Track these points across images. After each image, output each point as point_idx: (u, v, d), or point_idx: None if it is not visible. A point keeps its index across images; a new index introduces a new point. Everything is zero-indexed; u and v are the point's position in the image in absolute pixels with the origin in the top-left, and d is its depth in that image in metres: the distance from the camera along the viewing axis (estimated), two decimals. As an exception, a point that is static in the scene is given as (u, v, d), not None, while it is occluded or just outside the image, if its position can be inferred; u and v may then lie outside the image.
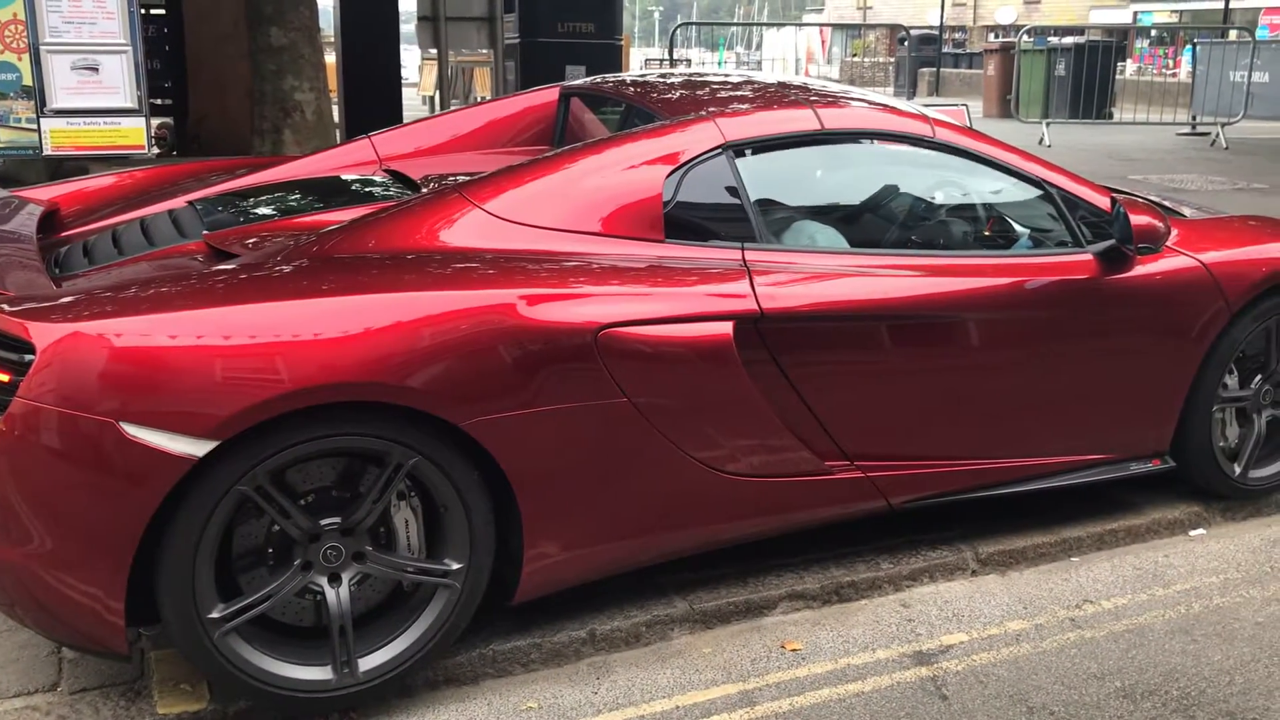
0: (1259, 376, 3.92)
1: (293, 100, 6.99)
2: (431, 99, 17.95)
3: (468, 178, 3.22)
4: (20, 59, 5.80)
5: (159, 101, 9.21)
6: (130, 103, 5.99)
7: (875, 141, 3.73)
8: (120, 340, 2.43)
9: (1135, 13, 40.75)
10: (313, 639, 2.74)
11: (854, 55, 40.11)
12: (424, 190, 3.36)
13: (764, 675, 3.00)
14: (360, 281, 2.72)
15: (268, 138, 7.03)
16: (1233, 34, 20.34)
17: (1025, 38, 19.07)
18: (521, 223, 3.00)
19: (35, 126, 5.88)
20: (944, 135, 3.52)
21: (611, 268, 2.97)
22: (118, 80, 5.94)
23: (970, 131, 3.63)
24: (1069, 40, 19.79)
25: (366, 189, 3.64)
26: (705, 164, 3.20)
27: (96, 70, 5.89)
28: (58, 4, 5.80)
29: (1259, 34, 21.40)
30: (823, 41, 44.41)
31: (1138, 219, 3.57)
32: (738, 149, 3.28)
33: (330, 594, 2.69)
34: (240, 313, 2.56)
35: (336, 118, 8.37)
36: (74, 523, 2.44)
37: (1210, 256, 3.71)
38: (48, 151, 5.95)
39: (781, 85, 3.99)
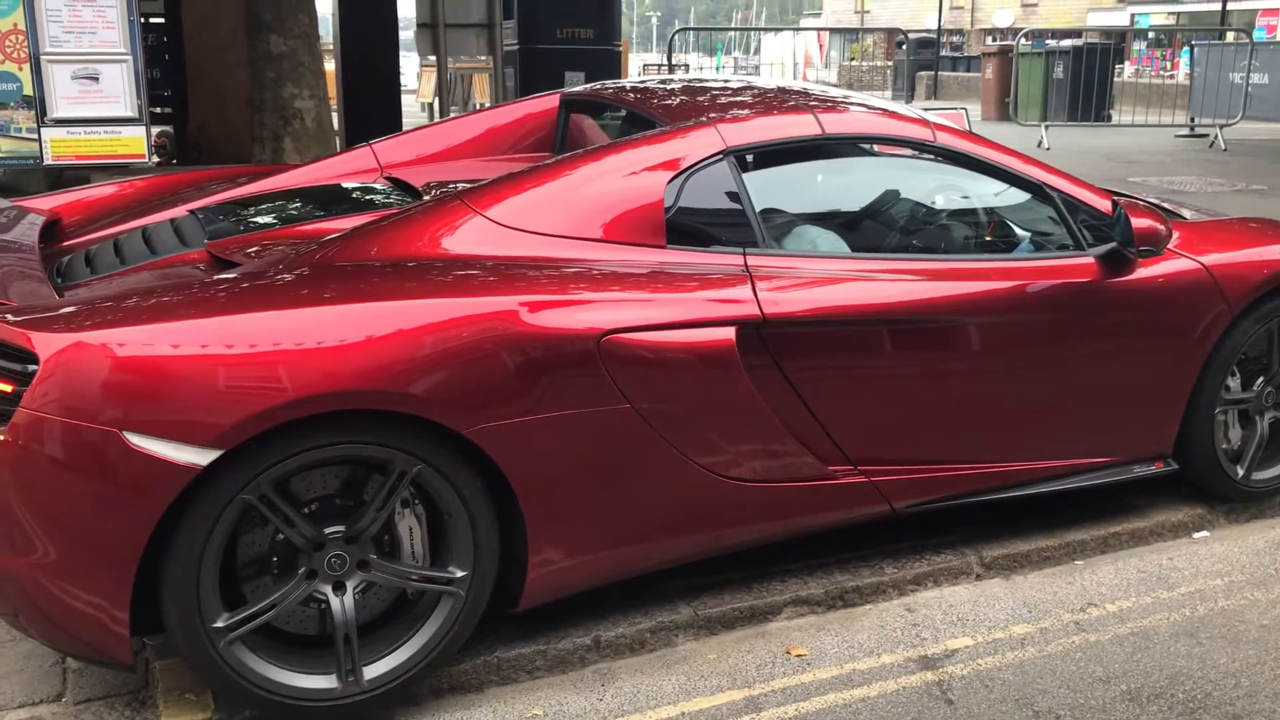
0: (1261, 378, 3.91)
1: (293, 108, 7.00)
2: (430, 106, 17.95)
3: (469, 185, 3.23)
4: (21, 69, 5.81)
5: (159, 110, 9.22)
6: (130, 112, 6.00)
7: (876, 146, 3.74)
8: (123, 350, 2.43)
9: (1132, 15, 40.83)
10: (317, 647, 2.74)
11: (852, 59, 40.16)
12: (425, 198, 3.36)
13: (769, 681, 3.00)
14: (362, 289, 2.72)
15: (268, 145, 7.04)
16: (1230, 35, 20.34)
17: (1023, 41, 19.08)
18: (523, 229, 3.00)
19: (36, 136, 5.88)
20: (944, 139, 3.52)
21: (613, 274, 2.97)
22: (118, 89, 5.94)
23: (970, 135, 3.64)
24: (1067, 43, 19.79)
25: (368, 197, 3.65)
26: (707, 169, 3.20)
27: (97, 79, 5.90)
28: (58, 13, 5.80)
29: (1256, 35, 21.41)
30: (820, 46, 44.48)
31: (1139, 221, 3.57)
32: (739, 154, 3.29)
33: (335, 602, 2.69)
34: (243, 321, 2.56)
35: (336, 125, 8.38)
36: (78, 533, 2.44)
37: (1212, 259, 3.71)
38: (48, 161, 5.96)
39: (781, 90, 3.99)
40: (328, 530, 2.67)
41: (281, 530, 2.62)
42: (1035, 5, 45.07)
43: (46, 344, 2.41)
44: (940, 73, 30.06)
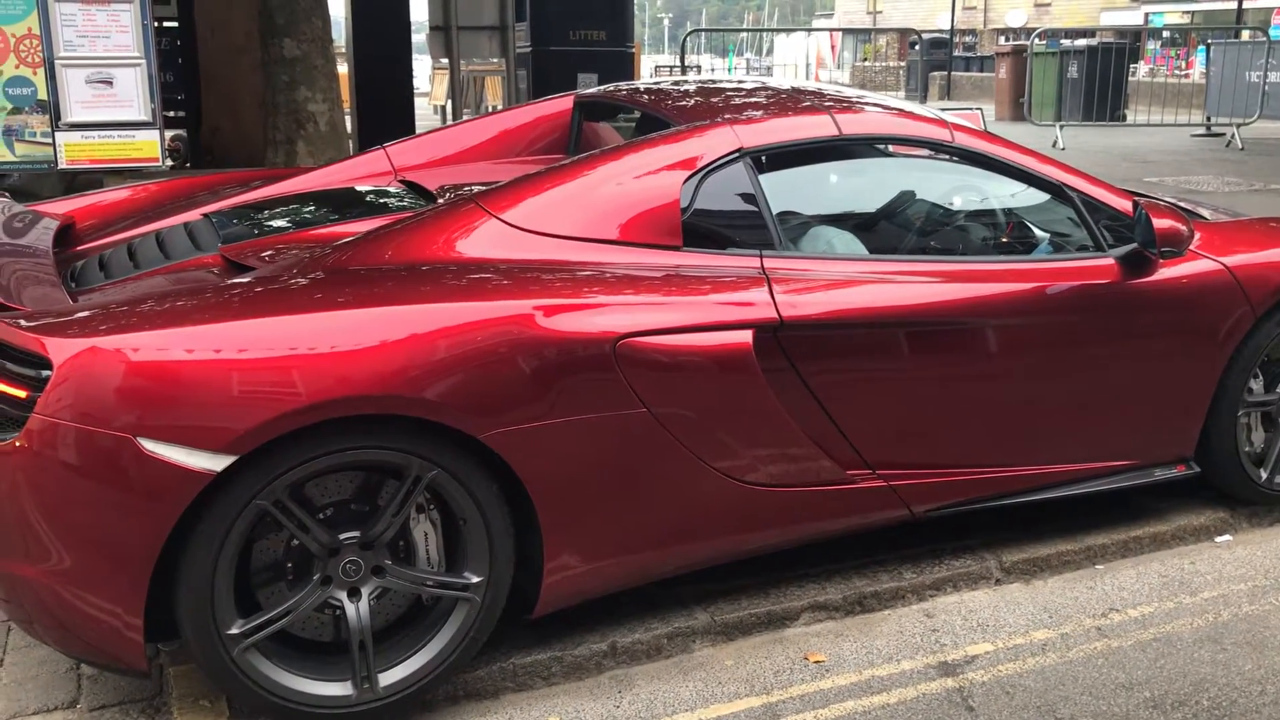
0: (1284, 380, 3.87)
1: (306, 111, 6.99)
2: (443, 108, 17.96)
3: (483, 188, 3.21)
4: (35, 73, 5.81)
5: (172, 114, 9.25)
6: (144, 116, 5.99)
7: (892, 146, 3.71)
8: (137, 355, 2.42)
9: (1146, 14, 40.62)
10: (332, 654, 2.72)
11: (864, 60, 40.08)
12: (439, 201, 3.35)
13: (787, 687, 2.97)
14: (376, 294, 2.70)
15: (281, 149, 7.03)
16: (1246, 34, 20.22)
17: (1038, 40, 19.00)
18: (538, 232, 2.98)
19: (50, 140, 5.88)
20: (962, 139, 3.49)
21: (629, 276, 2.95)
22: (132, 93, 5.94)
23: (988, 135, 3.60)
24: (1081, 42, 19.69)
25: (382, 200, 3.63)
26: (722, 170, 3.18)
27: (111, 84, 5.90)
28: (72, 18, 5.81)
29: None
30: (833, 46, 44.37)
31: (1160, 222, 3.53)
32: (755, 155, 3.26)
33: (350, 608, 2.67)
34: (257, 326, 2.55)
35: (350, 128, 8.38)
36: (92, 539, 2.43)
37: (1234, 260, 3.66)
38: (62, 165, 5.96)
39: (796, 91, 3.96)
40: (343, 536, 2.65)
41: (296, 536, 2.61)
42: (1048, 5, 44.86)
43: (60, 349, 2.40)
44: (953, 73, 29.97)
